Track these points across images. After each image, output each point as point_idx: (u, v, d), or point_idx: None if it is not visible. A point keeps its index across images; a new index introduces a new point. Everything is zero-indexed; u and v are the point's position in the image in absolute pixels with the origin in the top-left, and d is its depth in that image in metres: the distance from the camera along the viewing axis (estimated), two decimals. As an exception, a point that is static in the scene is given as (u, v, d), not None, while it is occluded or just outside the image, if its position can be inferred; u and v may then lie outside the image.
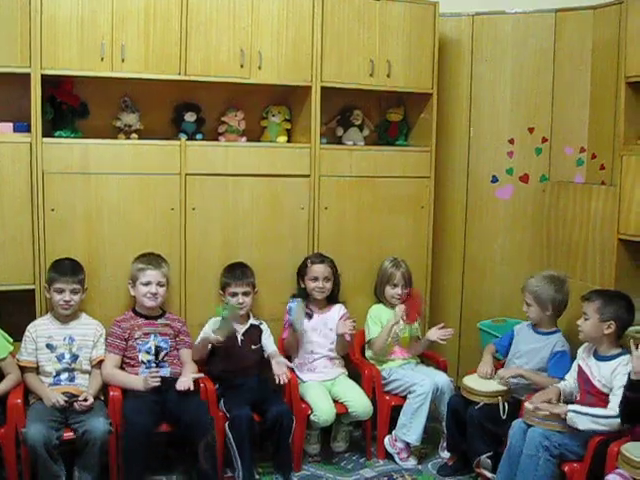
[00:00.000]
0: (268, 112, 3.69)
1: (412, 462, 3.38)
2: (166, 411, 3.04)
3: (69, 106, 3.29)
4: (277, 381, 3.22)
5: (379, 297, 3.66)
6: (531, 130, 3.93)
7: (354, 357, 3.58)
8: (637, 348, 2.62)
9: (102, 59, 3.15)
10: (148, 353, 3.16)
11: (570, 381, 3.04)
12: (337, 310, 3.53)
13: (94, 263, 3.25)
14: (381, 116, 3.95)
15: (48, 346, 3.05)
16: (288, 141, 3.68)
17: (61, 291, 3.06)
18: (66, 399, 2.89)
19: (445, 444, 3.39)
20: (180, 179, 3.35)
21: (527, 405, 2.91)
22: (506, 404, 3.08)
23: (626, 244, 3.33)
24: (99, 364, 3.12)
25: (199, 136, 3.50)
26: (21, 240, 3.14)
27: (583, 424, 2.72)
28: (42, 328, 3.08)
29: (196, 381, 3.12)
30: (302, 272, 3.52)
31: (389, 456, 3.42)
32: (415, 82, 3.72)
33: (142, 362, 3.15)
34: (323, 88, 3.53)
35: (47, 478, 2.77)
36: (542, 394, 2.96)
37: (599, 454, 2.70)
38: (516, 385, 3.20)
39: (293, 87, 3.58)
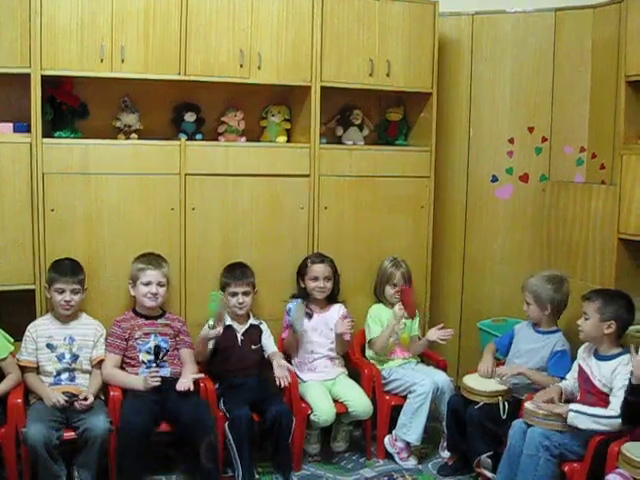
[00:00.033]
0: (268, 112, 3.69)
1: (412, 462, 3.38)
2: (166, 411, 3.04)
3: (69, 106, 3.30)
4: (278, 384, 3.21)
5: (379, 297, 3.66)
6: (531, 129, 3.93)
7: (354, 357, 3.58)
8: (637, 352, 2.61)
9: (102, 60, 3.16)
10: (148, 353, 3.17)
11: (571, 381, 3.03)
12: (337, 310, 3.53)
13: (94, 263, 3.25)
14: (381, 116, 3.95)
15: (48, 346, 3.05)
16: (288, 141, 3.68)
17: (62, 291, 3.06)
18: (66, 399, 2.89)
19: (445, 444, 3.39)
20: (180, 179, 3.36)
21: (527, 405, 2.91)
22: (506, 404, 3.08)
23: (626, 243, 3.33)
24: (99, 364, 3.12)
25: (199, 136, 3.50)
26: (21, 240, 3.15)
27: (584, 424, 2.72)
28: (42, 328, 3.08)
29: (196, 381, 3.12)
30: (302, 272, 3.52)
31: (389, 456, 3.42)
32: (415, 82, 3.71)
33: (142, 362, 3.16)
34: (323, 88, 3.53)
35: (47, 478, 2.78)
36: (544, 393, 2.95)
37: (599, 454, 2.70)
38: (516, 385, 3.19)
39: (293, 87, 3.58)
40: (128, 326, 3.18)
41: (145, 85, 3.34)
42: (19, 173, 3.12)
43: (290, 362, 3.44)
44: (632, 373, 2.62)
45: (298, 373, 3.42)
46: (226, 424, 3.07)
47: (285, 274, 3.57)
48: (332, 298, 3.55)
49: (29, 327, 3.08)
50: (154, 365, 3.15)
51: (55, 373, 3.03)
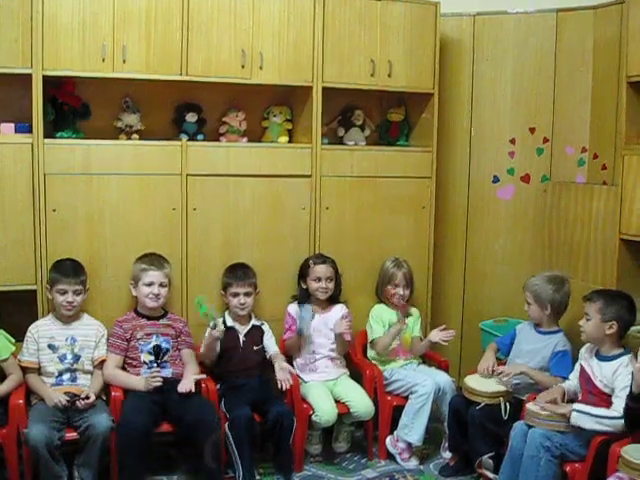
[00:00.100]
0: (269, 112, 3.69)
1: (414, 462, 3.38)
2: (169, 411, 3.04)
3: (70, 107, 3.29)
4: (280, 386, 3.21)
5: (380, 297, 3.66)
6: (532, 130, 3.93)
7: (356, 357, 3.58)
8: (638, 360, 2.61)
9: (103, 60, 3.16)
10: (150, 354, 3.16)
11: (574, 381, 3.04)
12: (338, 310, 3.53)
13: (95, 263, 3.25)
14: (382, 116, 3.95)
15: (50, 347, 3.05)
16: (289, 141, 3.68)
17: (64, 292, 3.06)
18: (68, 399, 2.89)
19: (447, 444, 3.38)
20: (181, 179, 3.36)
21: (528, 406, 2.91)
22: (507, 404, 3.08)
23: (628, 244, 3.32)
24: (101, 364, 3.12)
25: (200, 136, 3.50)
26: (23, 241, 3.15)
27: (587, 424, 2.72)
28: (44, 329, 3.08)
29: (198, 381, 3.12)
30: (304, 273, 3.52)
31: (391, 456, 3.42)
32: (416, 82, 3.71)
33: (144, 362, 3.16)
34: (324, 88, 3.53)
35: (49, 478, 2.78)
36: (546, 394, 2.95)
37: (601, 454, 2.70)
38: (517, 385, 3.20)
39: (294, 87, 3.58)
40: (130, 326, 3.18)
41: (146, 85, 3.34)
42: (21, 173, 3.12)
43: (291, 363, 3.44)
44: (633, 377, 2.61)
45: (300, 374, 3.42)
46: (226, 424, 3.06)
47: (287, 274, 3.57)
48: (334, 299, 3.55)
49: (30, 328, 3.08)
50: (155, 365, 3.15)
51: (57, 374, 3.03)
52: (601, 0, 3.72)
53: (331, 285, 3.49)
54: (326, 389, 3.37)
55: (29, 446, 2.74)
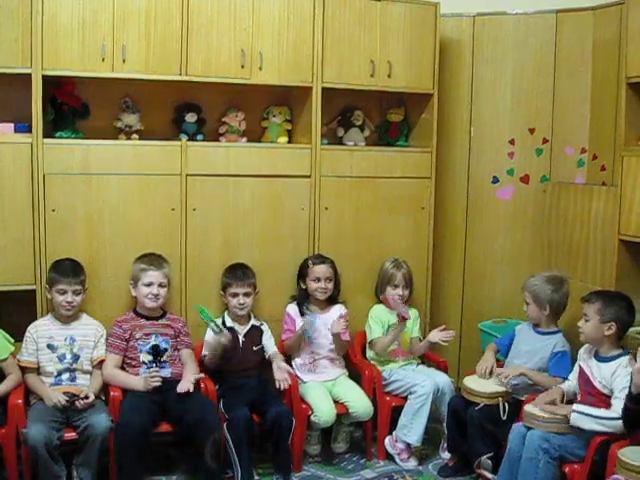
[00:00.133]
0: (269, 113, 3.69)
1: (413, 463, 3.38)
2: (168, 411, 3.04)
3: (70, 107, 3.29)
4: (278, 386, 3.21)
5: (380, 297, 3.66)
6: (532, 131, 3.93)
7: (355, 358, 3.58)
8: (637, 361, 2.61)
9: (103, 60, 3.16)
10: (149, 354, 3.16)
11: (573, 382, 3.04)
12: (337, 310, 3.53)
13: (94, 263, 3.25)
14: (382, 117, 3.95)
15: (49, 346, 3.05)
16: (289, 142, 3.68)
17: (63, 292, 3.06)
18: (67, 399, 2.89)
19: (446, 445, 3.38)
20: (181, 180, 3.36)
21: (526, 408, 2.91)
22: (506, 405, 3.08)
23: (627, 245, 3.33)
24: (100, 364, 3.12)
25: (200, 137, 3.50)
26: (22, 241, 3.14)
27: (587, 425, 2.73)
28: (43, 329, 3.08)
29: (197, 381, 3.12)
30: (303, 273, 3.51)
31: (390, 457, 3.42)
32: (416, 83, 3.71)
33: (143, 362, 3.16)
34: (324, 89, 3.53)
35: (48, 478, 2.78)
36: (546, 395, 2.96)
37: (600, 455, 2.70)
38: (516, 386, 3.19)
39: (294, 88, 3.58)
40: (129, 326, 3.18)
41: (146, 85, 3.34)
42: (20, 173, 3.11)
43: (290, 363, 3.44)
44: (631, 379, 2.61)
45: (299, 374, 3.42)
46: (225, 425, 3.06)
47: (286, 275, 3.56)
48: (333, 299, 3.55)
49: (29, 328, 3.08)
50: (154, 365, 3.15)
51: (56, 373, 3.03)
52: (600, 1, 3.72)
53: (330, 285, 3.49)
54: (325, 389, 3.37)
55: (28, 446, 2.74)
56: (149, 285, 3.18)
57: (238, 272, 3.38)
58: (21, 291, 3.15)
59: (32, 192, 3.13)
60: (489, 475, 3.07)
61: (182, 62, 3.28)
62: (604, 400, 2.82)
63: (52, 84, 3.21)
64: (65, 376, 3.04)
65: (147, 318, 3.23)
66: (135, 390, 3.05)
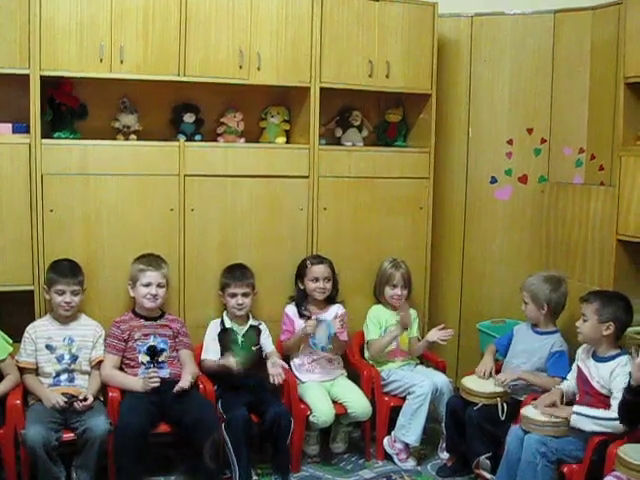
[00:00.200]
0: (267, 113, 3.69)
1: (411, 463, 3.38)
2: (166, 412, 3.04)
3: (68, 107, 3.29)
4: (272, 381, 3.22)
5: (378, 298, 3.66)
6: (530, 131, 3.93)
7: (353, 358, 3.58)
8: (638, 356, 2.61)
9: (101, 60, 3.16)
10: (148, 354, 3.16)
11: (572, 382, 3.04)
12: (335, 310, 3.53)
13: (93, 264, 3.25)
14: (380, 117, 3.95)
15: (47, 347, 3.05)
16: (287, 142, 3.68)
17: (62, 293, 3.06)
18: (66, 400, 2.89)
19: (444, 445, 3.39)
20: (179, 180, 3.35)
21: (523, 412, 2.90)
22: (505, 405, 3.08)
23: (625, 245, 3.33)
24: (98, 365, 3.12)
25: (198, 137, 3.50)
26: (20, 241, 3.14)
27: (586, 426, 2.73)
28: (41, 329, 3.08)
29: (196, 381, 3.12)
30: (301, 273, 3.51)
31: (388, 457, 3.42)
32: (414, 83, 3.72)
33: (142, 363, 3.15)
34: (322, 89, 3.53)
35: (46, 479, 2.77)
36: (546, 397, 2.95)
37: (598, 455, 2.70)
38: (515, 386, 3.20)
39: (292, 88, 3.57)
40: (127, 327, 3.18)
41: (144, 86, 3.33)
42: (18, 174, 3.11)
43: (289, 363, 3.44)
44: (631, 375, 2.62)
45: (297, 374, 3.42)
46: (223, 425, 3.06)
47: (284, 275, 3.56)
48: (331, 299, 3.55)
49: (28, 328, 3.07)
50: (152, 366, 3.15)
51: (54, 374, 3.03)
52: (599, 1, 3.72)
53: (328, 285, 3.49)
54: (323, 390, 3.37)
55: (26, 447, 2.74)
56: (147, 285, 3.18)
57: (237, 272, 3.38)
58: (19, 291, 3.15)
59: (30, 192, 3.13)
60: (488, 475, 3.07)
61: (180, 62, 3.28)
62: (602, 400, 2.82)
63: (50, 84, 3.21)
64: (63, 377, 3.04)
65: (146, 318, 3.22)
66: (134, 391, 3.04)
